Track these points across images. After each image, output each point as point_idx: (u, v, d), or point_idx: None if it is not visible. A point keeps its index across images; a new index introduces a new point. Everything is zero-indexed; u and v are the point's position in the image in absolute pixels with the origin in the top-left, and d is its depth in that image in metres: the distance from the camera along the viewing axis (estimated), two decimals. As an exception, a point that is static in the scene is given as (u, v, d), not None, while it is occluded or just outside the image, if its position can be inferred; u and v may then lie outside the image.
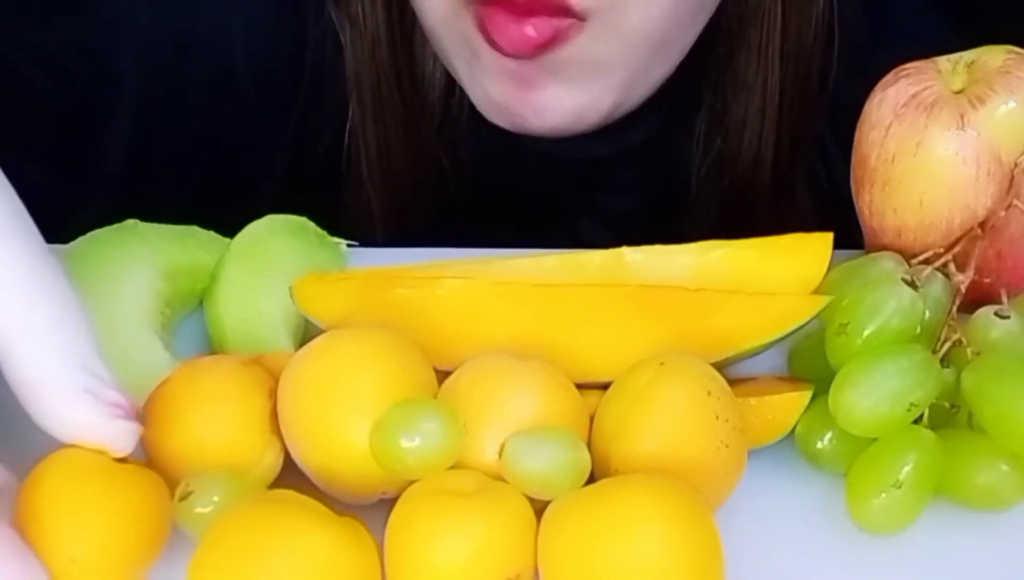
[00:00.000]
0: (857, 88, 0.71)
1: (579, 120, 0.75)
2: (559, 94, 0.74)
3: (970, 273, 0.64)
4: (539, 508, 0.56)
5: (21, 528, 0.53)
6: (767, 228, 0.77)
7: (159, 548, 0.56)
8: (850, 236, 0.70)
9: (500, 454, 0.57)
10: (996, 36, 0.69)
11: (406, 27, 0.81)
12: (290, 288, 0.66)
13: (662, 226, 0.82)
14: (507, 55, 0.72)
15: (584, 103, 0.74)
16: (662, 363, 0.60)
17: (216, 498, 0.57)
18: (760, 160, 0.83)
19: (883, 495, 0.59)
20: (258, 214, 0.72)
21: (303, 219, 0.72)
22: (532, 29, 0.70)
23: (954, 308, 0.63)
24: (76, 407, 0.54)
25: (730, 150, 0.83)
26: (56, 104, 0.83)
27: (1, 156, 0.76)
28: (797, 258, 0.67)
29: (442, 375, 0.61)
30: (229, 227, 0.71)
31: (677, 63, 0.78)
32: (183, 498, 0.57)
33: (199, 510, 0.57)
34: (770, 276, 0.67)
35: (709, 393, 0.59)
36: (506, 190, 0.85)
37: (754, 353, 0.65)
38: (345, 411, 0.58)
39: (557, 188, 0.86)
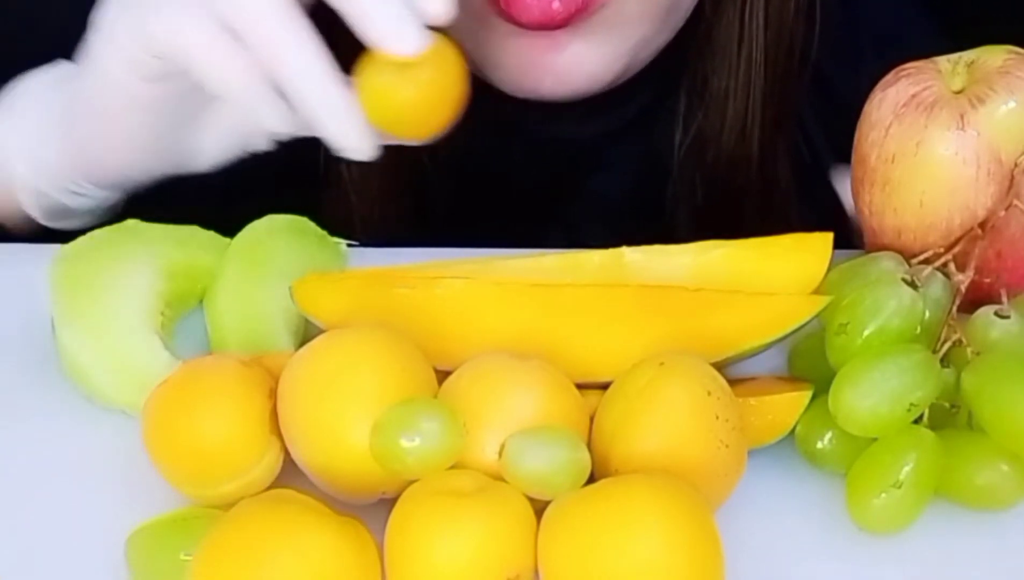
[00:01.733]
0: (836, 67, 0.71)
1: (593, 82, 0.75)
2: (581, 53, 0.74)
3: (970, 273, 0.64)
4: (539, 508, 0.56)
5: None
6: (752, 207, 0.77)
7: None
8: (832, 217, 0.70)
9: (500, 454, 0.57)
10: (987, 33, 0.69)
11: None
12: (290, 288, 0.66)
13: (649, 207, 0.82)
14: (534, 28, 0.72)
15: (603, 63, 0.75)
16: (662, 363, 0.60)
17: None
18: (744, 136, 0.83)
19: (883, 495, 0.59)
20: (241, 215, 0.72)
21: (303, 219, 0.72)
22: (558, 3, 0.71)
23: (954, 308, 0.63)
24: None
25: (711, 125, 0.83)
26: None
27: None
28: (797, 258, 0.67)
29: (442, 375, 0.61)
30: (229, 227, 0.71)
31: (675, 32, 0.78)
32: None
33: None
34: (770, 276, 0.67)
35: (709, 393, 0.59)
36: (491, 182, 0.85)
37: (754, 353, 0.65)
38: (345, 411, 0.58)
39: (542, 175, 0.86)
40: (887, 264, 0.65)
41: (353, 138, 0.62)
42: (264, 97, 0.62)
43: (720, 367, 0.61)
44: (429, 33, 0.60)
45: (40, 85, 0.74)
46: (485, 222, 0.75)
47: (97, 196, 0.74)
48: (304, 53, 0.61)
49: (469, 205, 0.84)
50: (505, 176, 0.85)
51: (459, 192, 0.85)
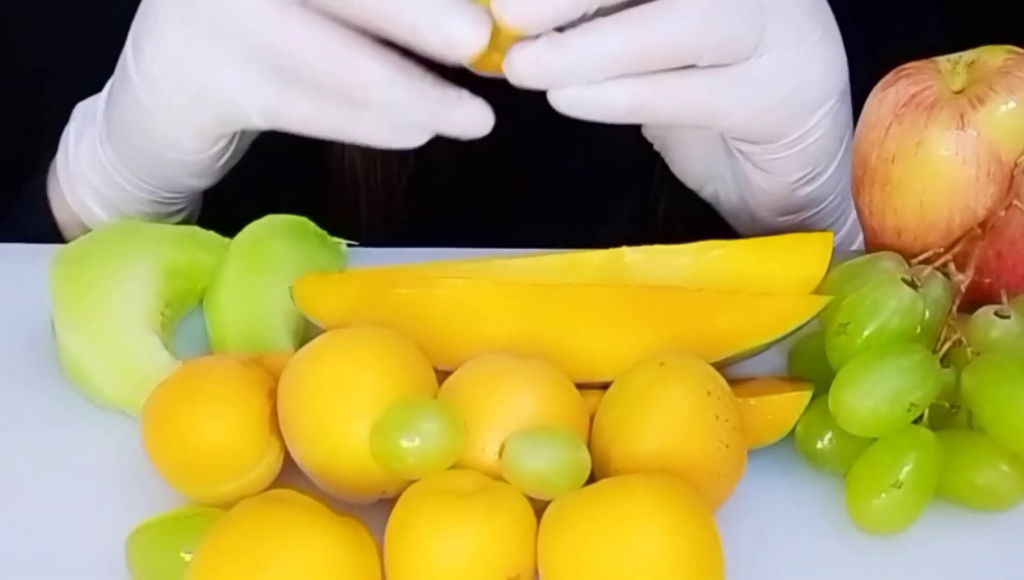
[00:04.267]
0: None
1: None
2: None
3: (970, 273, 0.64)
4: (539, 508, 0.56)
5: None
6: None
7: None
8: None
9: (500, 454, 0.57)
10: (987, 33, 0.69)
11: None
12: (290, 288, 0.66)
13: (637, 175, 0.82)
14: None
15: None
16: (662, 363, 0.60)
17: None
18: None
19: (883, 495, 0.59)
20: (241, 215, 0.72)
21: (303, 219, 0.72)
22: None
23: (954, 308, 0.63)
24: None
25: None
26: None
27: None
28: (797, 258, 0.67)
29: (442, 375, 0.61)
30: (229, 227, 0.71)
31: None
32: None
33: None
34: (770, 276, 0.67)
35: (709, 393, 0.59)
36: (491, 156, 0.84)
37: (754, 353, 0.65)
38: (345, 411, 0.58)
39: (530, 149, 0.85)
40: (887, 264, 0.65)
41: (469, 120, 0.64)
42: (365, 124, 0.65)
43: (720, 367, 0.61)
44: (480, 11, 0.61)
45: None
46: (486, 195, 0.75)
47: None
48: (379, 80, 0.64)
49: (471, 181, 0.84)
50: (502, 151, 0.85)
51: (460, 168, 0.85)
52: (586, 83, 0.63)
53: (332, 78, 0.64)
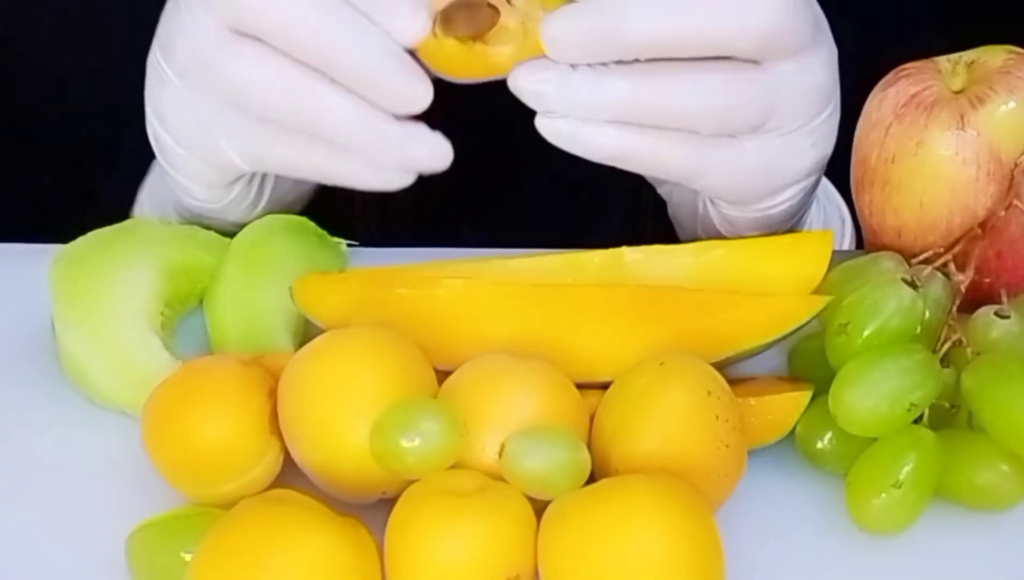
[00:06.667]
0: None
1: None
2: None
3: (970, 273, 0.64)
4: (539, 508, 0.56)
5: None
6: None
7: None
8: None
9: (500, 454, 0.57)
10: (987, 33, 0.69)
11: None
12: (290, 288, 0.66)
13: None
14: None
15: None
16: (662, 363, 0.60)
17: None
18: None
19: (883, 495, 0.59)
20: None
21: (303, 219, 0.72)
22: None
23: (954, 308, 0.63)
24: None
25: None
26: None
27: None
28: (797, 258, 0.67)
29: (442, 375, 0.61)
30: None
31: None
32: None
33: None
34: (770, 276, 0.67)
35: (709, 393, 0.59)
36: (488, 153, 0.84)
37: (754, 353, 0.65)
38: (345, 411, 0.58)
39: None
40: (887, 264, 0.65)
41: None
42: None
43: (720, 367, 0.61)
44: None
45: None
46: (481, 191, 0.76)
47: None
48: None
49: (467, 177, 0.84)
50: (498, 146, 0.85)
51: (456, 167, 0.85)
52: (580, 119, 0.63)
53: (288, 115, 0.64)
